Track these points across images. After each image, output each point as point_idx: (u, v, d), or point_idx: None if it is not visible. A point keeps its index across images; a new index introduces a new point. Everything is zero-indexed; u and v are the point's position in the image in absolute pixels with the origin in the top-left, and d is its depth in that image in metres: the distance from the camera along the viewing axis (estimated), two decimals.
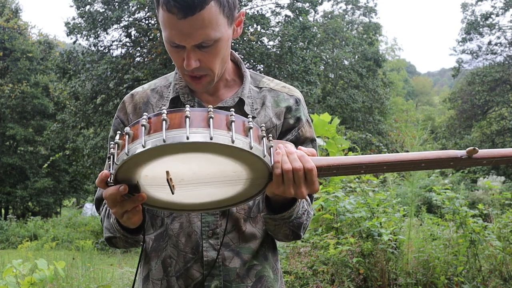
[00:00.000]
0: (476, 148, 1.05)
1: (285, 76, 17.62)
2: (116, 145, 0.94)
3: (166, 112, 0.91)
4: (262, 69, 17.89)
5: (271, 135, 1.04)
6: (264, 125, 1.03)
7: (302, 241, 4.52)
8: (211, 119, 0.90)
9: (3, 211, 24.50)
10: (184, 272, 1.28)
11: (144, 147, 0.89)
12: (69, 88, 18.23)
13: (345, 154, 4.89)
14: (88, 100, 17.76)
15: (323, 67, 24.14)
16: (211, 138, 0.88)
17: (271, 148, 1.01)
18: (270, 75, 16.21)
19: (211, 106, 0.95)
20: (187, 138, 0.88)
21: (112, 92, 17.91)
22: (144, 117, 0.92)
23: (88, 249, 10.54)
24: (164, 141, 0.88)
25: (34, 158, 24.21)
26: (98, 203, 1.40)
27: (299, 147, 1.10)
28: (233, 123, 0.92)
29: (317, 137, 4.38)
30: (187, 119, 0.89)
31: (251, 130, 0.94)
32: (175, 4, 1.11)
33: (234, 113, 0.94)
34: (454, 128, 26.09)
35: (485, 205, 5.70)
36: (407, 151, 5.39)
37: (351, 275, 4.27)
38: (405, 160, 1.06)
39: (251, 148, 0.93)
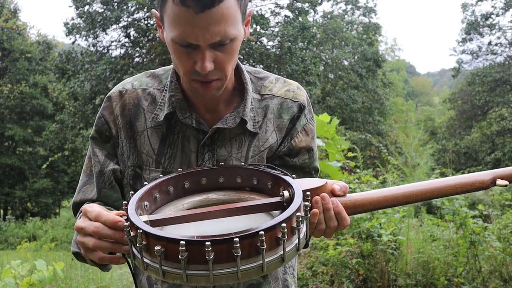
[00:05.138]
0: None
1: (285, 76, 17.60)
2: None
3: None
4: None
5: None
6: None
7: None
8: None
9: (2, 211, 24.47)
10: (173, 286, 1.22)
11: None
12: (68, 89, 18.22)
13: (345, 155, 4.87)
14: (87, 101, 17.74)
15: (322, 68, 24.10)
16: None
17: (307, 220, 0.98)
18: None
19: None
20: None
21: None
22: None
23: None
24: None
25: (33, 158, 24.17)
26: (77, 208, 1.28)
27: (334, 199, 1.05)
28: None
29: (317, 137, 4.35)
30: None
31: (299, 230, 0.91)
32: None
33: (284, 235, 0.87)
34: (454, 128, 26.08)
35: (485, 205, 5.68)
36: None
37: (351, 276, 4.26)
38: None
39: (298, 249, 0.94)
